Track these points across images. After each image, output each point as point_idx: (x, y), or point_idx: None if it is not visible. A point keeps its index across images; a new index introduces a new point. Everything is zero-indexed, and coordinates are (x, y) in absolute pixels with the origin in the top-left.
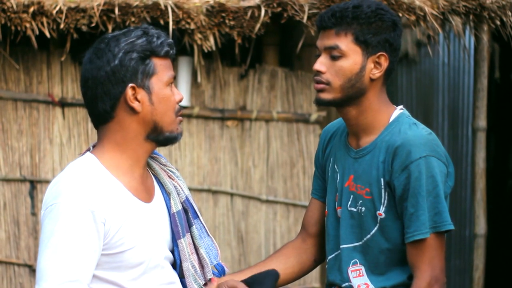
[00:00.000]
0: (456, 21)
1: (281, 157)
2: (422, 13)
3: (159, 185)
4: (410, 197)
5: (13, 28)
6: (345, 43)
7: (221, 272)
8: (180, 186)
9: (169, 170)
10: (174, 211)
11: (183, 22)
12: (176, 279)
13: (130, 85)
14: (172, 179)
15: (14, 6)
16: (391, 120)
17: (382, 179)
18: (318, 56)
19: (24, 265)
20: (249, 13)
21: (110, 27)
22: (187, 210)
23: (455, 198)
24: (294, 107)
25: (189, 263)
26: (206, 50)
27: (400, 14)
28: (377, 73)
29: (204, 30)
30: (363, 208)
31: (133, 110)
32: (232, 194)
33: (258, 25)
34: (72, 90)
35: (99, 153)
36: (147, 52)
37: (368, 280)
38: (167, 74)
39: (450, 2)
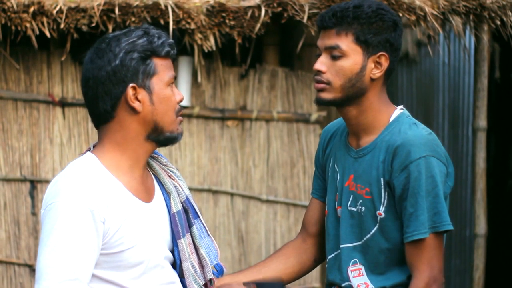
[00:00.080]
0: (456, 21)
1: (282, 157)
2: (422, 13)
3: (159, 185)
4: (410, 197)
5: (13, 28)
6: (346, 43)
7: (220, 272)
8: (180, 186)
9: (170, 170)
10: (174, 211)
11: (183, 22)
12: (176, 279)
13: (131, 85)
14: (173, 179)
15: (14, 6)
16: (391, 120)
17: (382, 179)
18: (319, 55)
19: (24, 265)
20: (249, 13)
21: (110, 27)
22: (188, 210)
23: (455, 198)
24: (295, 107)
25: (189, 263)
26: (206, 50)
27: (401, 14)
28: (377, 73)
29: (204, 30)
30: (363, 208)
31: (133, 110)
32: (232, 194)
33: (258, 25)
34: (73, 90)
35: (99, 153)
36: (148, 52)
37: (368, 279)
38: (168, 74)
39: (450, 2)
